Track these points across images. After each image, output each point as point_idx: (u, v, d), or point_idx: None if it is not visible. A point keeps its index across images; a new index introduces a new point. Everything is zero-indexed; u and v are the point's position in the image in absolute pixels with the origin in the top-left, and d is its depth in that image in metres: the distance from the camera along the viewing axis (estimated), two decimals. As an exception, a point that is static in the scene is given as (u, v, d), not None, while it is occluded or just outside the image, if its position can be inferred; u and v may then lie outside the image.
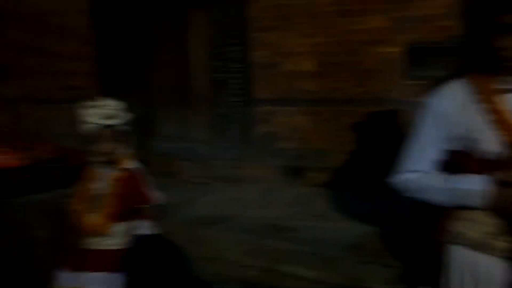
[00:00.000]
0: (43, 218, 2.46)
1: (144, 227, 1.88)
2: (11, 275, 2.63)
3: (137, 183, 1.92)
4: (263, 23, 2.65)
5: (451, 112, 1.05)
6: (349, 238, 1.74)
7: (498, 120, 0.99)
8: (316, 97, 2.52)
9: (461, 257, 1.05)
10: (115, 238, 1.84)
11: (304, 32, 2.53)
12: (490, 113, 1.00)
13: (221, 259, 1.82)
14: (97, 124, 1.84)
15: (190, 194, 2.62)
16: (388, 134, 2.23)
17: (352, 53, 2.43)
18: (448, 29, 2.01)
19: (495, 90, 1.01)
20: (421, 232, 1.17)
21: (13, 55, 3.69)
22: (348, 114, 2.42)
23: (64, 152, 2.82)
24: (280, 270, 1.68)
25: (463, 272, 1.05)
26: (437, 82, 1.07)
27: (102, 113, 1.85)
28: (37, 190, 2.62)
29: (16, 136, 3.78)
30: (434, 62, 2.07)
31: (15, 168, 2.48)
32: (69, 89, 3.49)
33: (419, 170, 1.10)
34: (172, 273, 1.98)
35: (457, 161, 1.07)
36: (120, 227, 1.85)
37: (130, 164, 1.94)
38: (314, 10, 2.51)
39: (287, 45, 2.59)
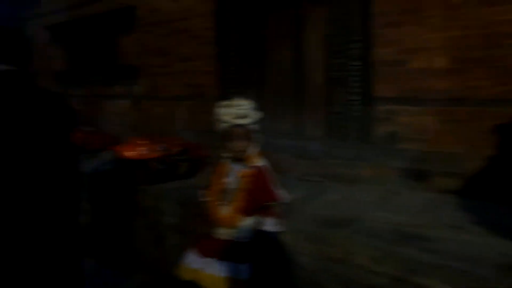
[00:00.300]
0: (173, 205, 2.69)
1: (270, 224, 1.94)
2: (143, 255, 2.95)
3: (265, 180, 1.99)
4: (389, 18, 2.52)
5: None
6: (499, 256, 1.56)
7: None
8: (449, 96, 2.31)
9: None
10: (243, 231, 1.93)
11: (436, 26, 2.34)
12: None
13: (348, 262, 1.79)
14: (230, 123, 1.95)
15: (305, 192, 2.63)
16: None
17: (495, 47, 2.17)
18: None
19: None
20: None
21: (143, 57, 4.09)
22: (488, 115, 2.18)
23: (187, 146, 3.05)
24: (414, 281, 1.59)
25: None
26: None
27: (236, 112, 1.94)
28: (167, 180, 2.89)
29: (143, 130, 4.22)
30: None
31: (153, 159, 2.75)
32: (189, 86, 3.75)
33: None
34: (291, 269, 2.02)
35: None
36: (248, 221, 1.94)
37: (259, 161, 2.02)
38: (449, 1, 2.30)
39: (416, 40, 2.42)
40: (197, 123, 3.77)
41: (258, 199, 1.91)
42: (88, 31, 4.74)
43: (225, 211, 1.91)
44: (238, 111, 1.92)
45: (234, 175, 1.96)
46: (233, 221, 1.89)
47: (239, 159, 1.97)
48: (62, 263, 1.73)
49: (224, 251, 1.91)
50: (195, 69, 3.65)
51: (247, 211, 1.90)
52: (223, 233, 1.92)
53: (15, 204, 1.54)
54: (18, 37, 1.79)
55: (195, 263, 1.96)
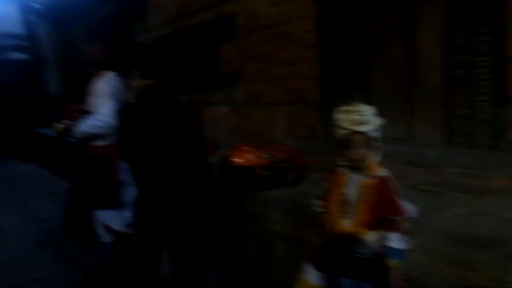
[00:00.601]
0: (281, 213, 2.67)
1: (396, 240, 1.79)
2: (250, 261, 2.98)
3: (389, 192, 1.85)
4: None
5: None
6: None
7: None
8: None
9: None
10: (365, 246, 1.81)
11: None
12: None
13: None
14: (349, 129, 1.84)
15: (425, 204, 2.39)
16: None
17: None
18: None
19: None
20: None
21: (243, 64, 4.16)
22: None
23: (293, 153, 3.01)
24: None
25: None
26: None
27: (355, 118, 1.83)
28: (274, 187, 2.87)
29: (242, 136, 4.31)
30: None
31: (260, 165, 2.76)
32: (289, 91, 3.71)
33: None
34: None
35: None
36: (371, 236, 1.81)
37: (381, 171, 1.88)
38: None
39: None
40: (297, 129, 3.71)
41: (382, 212, 1.78)
42: (189, 41, 5.00)
43: (346, 224, 1.81)
44: (358, 117, 1.82)
45: (354, 186, 1.85)
46: (357, 235, 1.78)
47: (358, 168, 1.86)
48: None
49: (348, 267, 1.81)
50: (296, 74, 3.59)
51: (371, 225, 1.78)
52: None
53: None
54: (158, 54, 2.02)
55: (316, 279, 1.90)
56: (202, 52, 4.87)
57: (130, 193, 3.03)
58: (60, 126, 2.94)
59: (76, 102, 3.22)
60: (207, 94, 4.69)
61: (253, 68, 4.04)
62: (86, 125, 2.90)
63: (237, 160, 2.79)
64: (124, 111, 2.09)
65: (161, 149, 1.97)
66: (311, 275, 1.91)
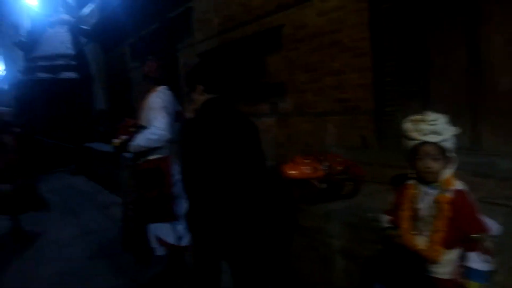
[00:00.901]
0: (340, 227, 2.56)
1: (477, 260, 1.64)
2: (305, 276, 2.88)
3: (469, 207, 1.70)
4: None
5: None
6: None
7: None
8: None
9: None
10: (444, 266, 1.67)
11: None
12: None
13: None
14: (420, 140, 1.72)
15: (503, 219, 2.20)
16: None
17: None
18: None
19: None
20: None
21: (290, 74, 4.13)
22: None
23: (348, 164, 2.90)
24: None
25: None
26: None
27: (426, 128, 1.71)
28: (330, 200, 2.77)
29: (289, 147, 4.24)
30: None
31: (316, 178, 2.68)
32: (339, 101, 3.62)
33: None
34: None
35: None
36: (450, 255, 1.67)
37: (456, 184, 1.74)
38: None
39: None
40: (347, 139, 3.60)
41: (460, 229, 1.63)
42: (233, 53, 5.03)
43: (421, 242, 1.68)
44: (429, 127, 1.69)
45: (427, 200, 1.72)
46: (433, 254, 1.65)
47: (429, 181, 1.73)
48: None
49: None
50: (346, 83, 3.51)
51: (447, 243, 1.64)
52: (420, 267, 1.70)
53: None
54: (220, 69, 2.04)
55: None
56: (246, 64, 4.89)
57: (183, 206, 3.05)
58: (117, 141, 3.01)
59: (123, 117, 3.31)
60: (251, 106, 4.68)
61: (301, 78, 3.98)
62: (142, 139, 2.95)
63: (292, 172, 2.72)
64: (187, 124, 2.11)
65: (225, 162, 1.96)
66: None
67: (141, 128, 3.02)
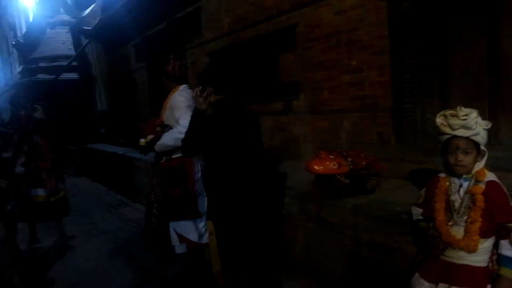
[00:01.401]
0: (367, 221, 2.61)
1: (509, 247, 1.70)
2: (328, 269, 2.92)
3: (502, 197, 1.76)
4: None
5: None
6: None
7: None
8: None
9: None
10: (479, 255, 1.73)
11: None
12: None
13: None
14: (452, 134, 1.77)
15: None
16: None
17: None
18: None
19: None
20: None
21: (304, 72, 4.16)
22: None
23: (370, 160, 2.95)
24: None
25: None
26: None
27: (457, 123, 1.75)
28: (354, 194, 2.82)
29: (305, 144, 4.28)
30: None
31: (341, 173, 2.72)
32: (356, 98, 3.66)
33: None
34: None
35: None
36: (484, 244, 1.73)
37: (488, 176, 1.79)
38: None
39: None
40: (364, 136, 3.65)
41: (494, 218, 1.69)
42: (245, 52, 5.06)
43: (457, 232, 1.73)
44: (461, 122, 1.73)
45: (461, 192, 1.77)
46: (469, 244, 1.69)
47: (461, 174, 1.78)
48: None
49: (459, 277, 1.73)
50: (364, 80, 3.55)
51: (484, 233, 1.69)
52: (456, 256, 1.74)
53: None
54: (227, 73, 2.47)
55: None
56: (257, 63, 4.92)
57: (205, 203, 3.08)
58: (143, 140, 3.02)
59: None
60: (265, 105, 4.71)
61: (316, 76, 4.02)
62: (169, 138, 2.97)
63: (317, 168, 2.75)
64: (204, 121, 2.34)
65: (233, 156, 2.25)
66: (422, 286, 1.83)
67: (166, 127, 3.04)
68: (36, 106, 4.33)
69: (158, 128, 3.04)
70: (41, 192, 4.24)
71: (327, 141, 3.97)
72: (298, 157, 4.28)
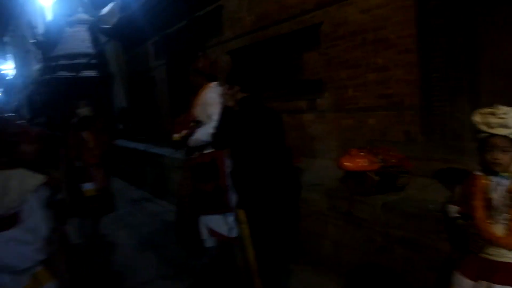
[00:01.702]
0: (399, 218, 2.65)
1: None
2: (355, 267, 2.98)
3: (540, 195, 1.78)
4: None
5: None
6: None
7: None
8: None
9: None
10: (522, 252, 1.75)
11: None
12: None
13: None
14: (490, 132, 1.79)
15: None
16: None
17: None
18: None
19: None
20: None
21: (328, 71, 4.20)
22: None
23: (400, 157, 2.98)
24: None
25: None
26: None
27: (495, 121, 1.77)
28: (385, 192, 2.86)
29: (328, 143, 4.32)
30: None
31: (372, 170, 2.77)
32: (382, 97, 3.70)
33: None
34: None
35: None
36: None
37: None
38: None
39: None
40: (390, 134, 3.68)
41: (534, 216, 1.72)
42: (267, 51, 5.12)
43: (498, 230, 1.76)
44: (499, 120, 1.76)
45: (500, 190, 1.80)
46: (510, 242, 1.73)
47: (499, 172, 1.81)
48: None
49: (499, 274, 1.75)
50: (390, 79, 3.58)
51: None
52: (497, 254, 1.77)
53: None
54: (252, 74, 2.74)
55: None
56: (280, 61, 4.97)
57: (234, 197, 3.16)
58: (177, 135, 3.11)
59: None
60: (287, 103, 4.76)
61: (341, 75, 4.06)
62: (203, 134, 3.05)
63: (348, 164, 2.81)
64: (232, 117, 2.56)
65: (255, 150, 2.45)
66: (463, 285, 1.86)
67: (200, 123, 3.12)
68: (81, 102, 4.31)
69: (192, 124, 3.12)
70: (89, 186, 4.21)
71: (351, 138, 4.01)
72: (322, 155, 4.33)
